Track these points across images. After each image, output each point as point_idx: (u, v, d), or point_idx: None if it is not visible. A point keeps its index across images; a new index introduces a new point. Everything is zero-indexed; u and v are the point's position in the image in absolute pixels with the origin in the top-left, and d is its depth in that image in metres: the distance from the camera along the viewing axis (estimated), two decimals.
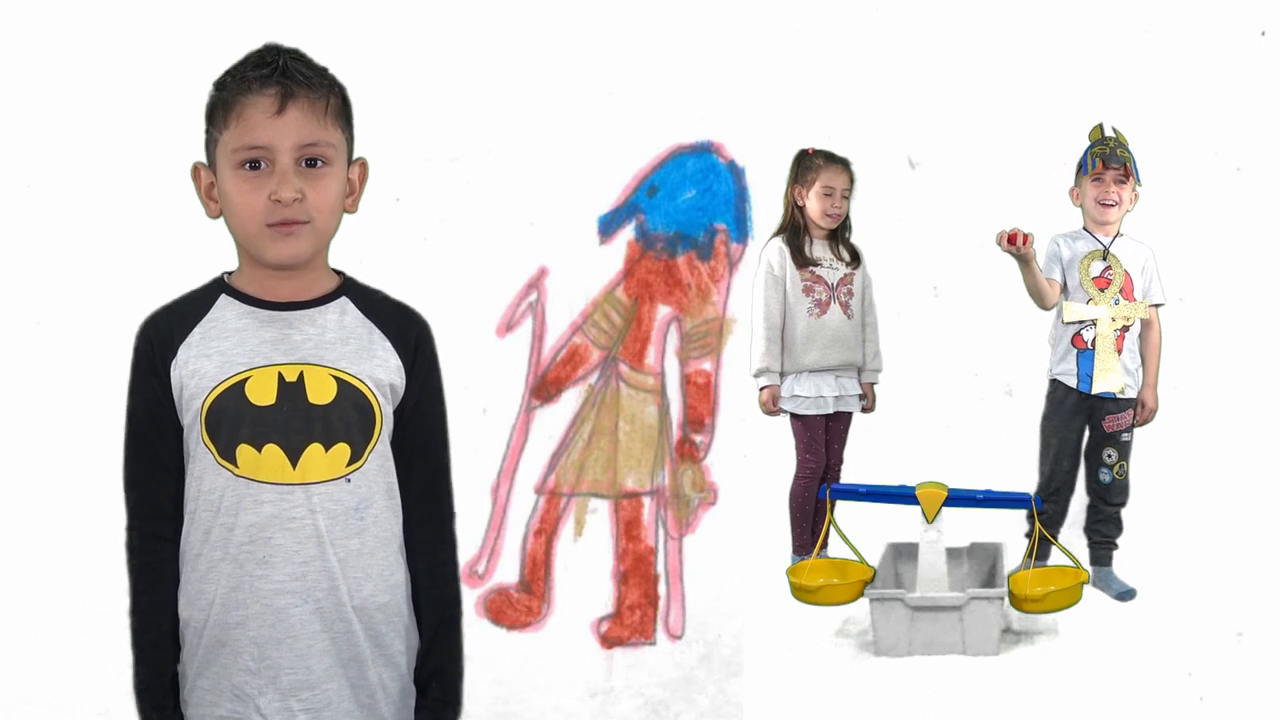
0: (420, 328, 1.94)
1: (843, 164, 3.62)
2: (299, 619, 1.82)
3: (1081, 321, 3.54)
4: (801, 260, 3.60)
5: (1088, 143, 3.53)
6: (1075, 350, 3.56)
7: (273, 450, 1.80)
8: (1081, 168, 3.56)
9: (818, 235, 3.61)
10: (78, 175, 3.07)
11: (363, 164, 1.93)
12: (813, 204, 3.58)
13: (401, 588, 1.91)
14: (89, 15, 3.09)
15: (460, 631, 1.97)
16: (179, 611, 1.86)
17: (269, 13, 2.95)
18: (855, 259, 3.69)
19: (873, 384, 3.77)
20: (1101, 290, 3.54)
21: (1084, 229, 3.60)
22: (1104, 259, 3.55)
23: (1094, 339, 3.54)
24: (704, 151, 3.18)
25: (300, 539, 1.82)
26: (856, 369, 3.75)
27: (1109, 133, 3.51)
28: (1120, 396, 3.62)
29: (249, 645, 1.83)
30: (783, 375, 3.71)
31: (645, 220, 3.17)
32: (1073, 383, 3.59)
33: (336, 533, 1.83)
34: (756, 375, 3.60)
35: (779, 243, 3.61)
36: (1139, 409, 3.66)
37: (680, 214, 3.18)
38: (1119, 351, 3.55)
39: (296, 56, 1.85)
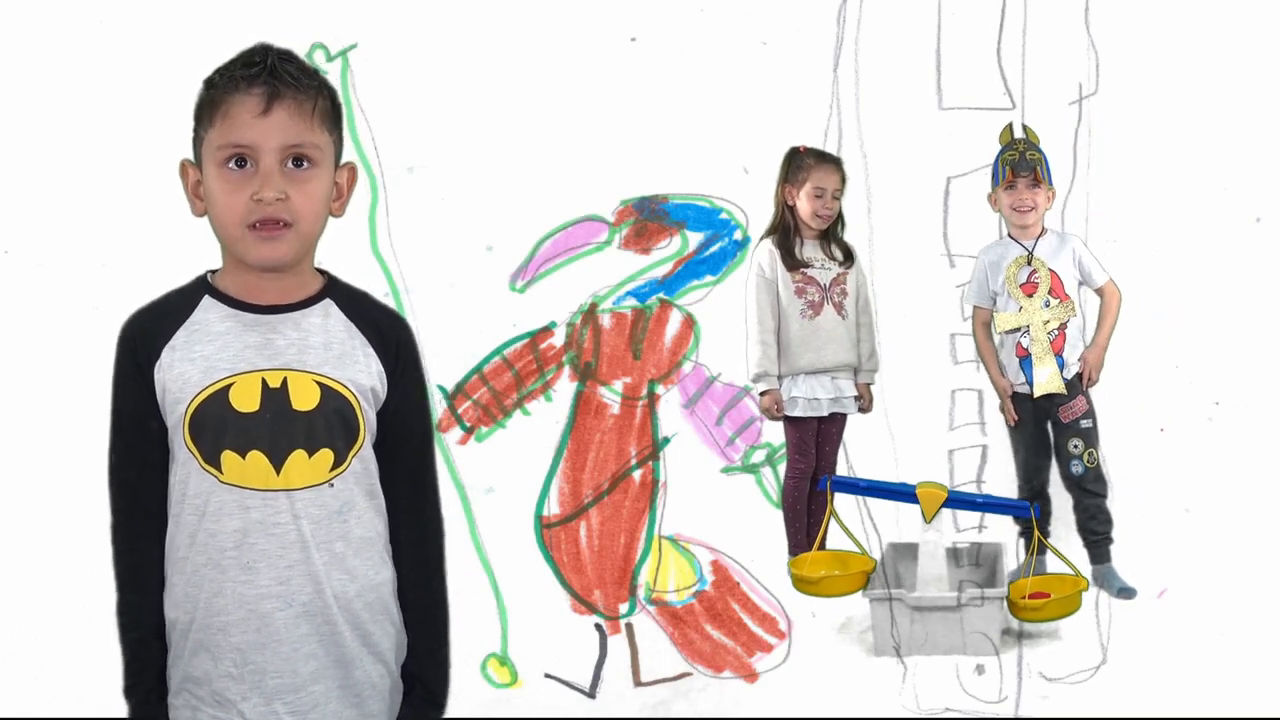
0: (402, 332, 1.94)
1: (834, 163, 3.59)
2: (284, 623, 1.83)
3: (1016, 329, 3.57)
4: (792, 262, 3.57)
5: (999, 146, 3.55)
6: (1018, 359, 3.59)
7: (257, 457, 1.80)
8: (994, 176, 3.58)
9: (809, 235, 3.59)
10: (74, 173, 3.10)
11: (351, 168, 1.92)
12: (803, 204, 3.55)
13: (387, 585, 1.91)
14: (87, 14, 3.11)
15: (446, 629, 1.97)
16: (165, 611, 1.87)
17: (270, 13, 2.97)
18: (848, 258, 3.67)
19: (869, 384, 3.76)
20: (1029, 296, 3.56)
21: (1008, 235, 3.60)
22: (1029, 263, 3.57)
23: (1029, 344, 3.57)
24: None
25: (284, 544, 1.82)
26: (853, 369, 3.74)
27: (1019, 134, 3.53)
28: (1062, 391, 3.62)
29: (231, 651, 1.83)
30: (780, 378, 3.69)
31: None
32: (1026, 390, 3.60)
33: (320, 536, 1.83)
34: (755, 380, 3.58)
35: (769, 244, 3.59)
36: (1084, 374, 3.65)
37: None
38: (1058, 352, 3.56)
39: (286, 57, 1.84)
